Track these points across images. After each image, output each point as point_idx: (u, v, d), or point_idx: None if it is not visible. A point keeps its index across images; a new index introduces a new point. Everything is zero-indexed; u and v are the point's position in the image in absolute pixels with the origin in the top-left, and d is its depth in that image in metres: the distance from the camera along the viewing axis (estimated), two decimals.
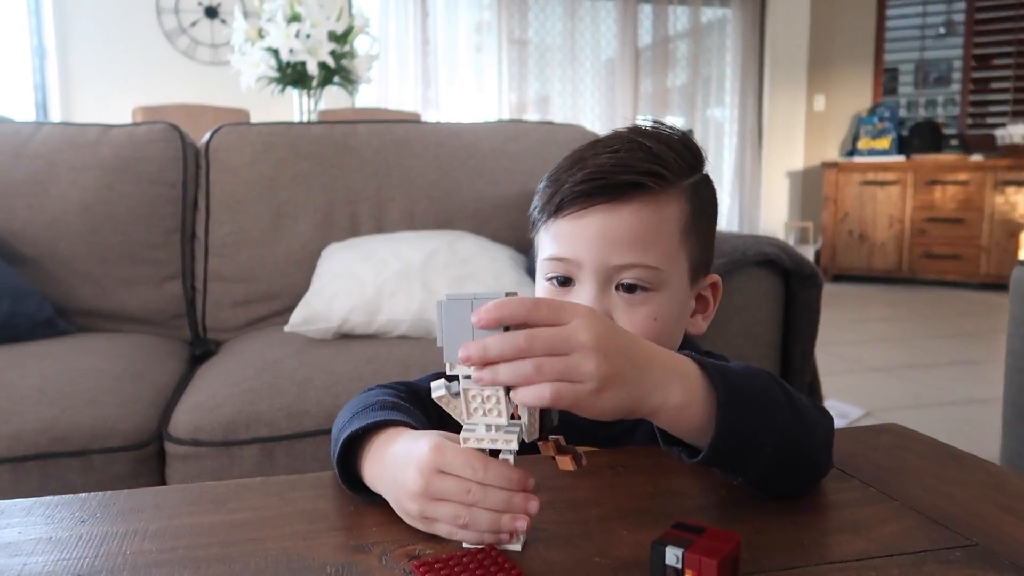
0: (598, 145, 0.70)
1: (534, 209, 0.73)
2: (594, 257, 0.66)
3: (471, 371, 0.47)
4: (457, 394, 0.48)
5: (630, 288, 0.67)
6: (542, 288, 0.71)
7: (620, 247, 0.66)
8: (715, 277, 0.75)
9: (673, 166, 0.68)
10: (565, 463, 0.49)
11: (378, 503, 0.54)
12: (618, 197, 0.66)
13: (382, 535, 0.51)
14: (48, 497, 0.57)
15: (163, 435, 1.22)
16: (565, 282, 0.69)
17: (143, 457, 1.19)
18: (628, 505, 0.56)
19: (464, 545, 0.49)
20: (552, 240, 0.69)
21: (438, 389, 0.49)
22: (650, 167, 0.66)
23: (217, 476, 1.19)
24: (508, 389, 0.47)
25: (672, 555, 0.42)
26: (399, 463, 0.52)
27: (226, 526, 0.53)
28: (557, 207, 0.68)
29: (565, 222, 0.68)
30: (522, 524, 0.48)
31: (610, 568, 0.47)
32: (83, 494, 0.58)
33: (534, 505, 0.48)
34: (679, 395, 0.51)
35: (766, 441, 0.53)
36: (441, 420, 0.55)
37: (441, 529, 0.50)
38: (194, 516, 0.55)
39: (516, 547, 0.49)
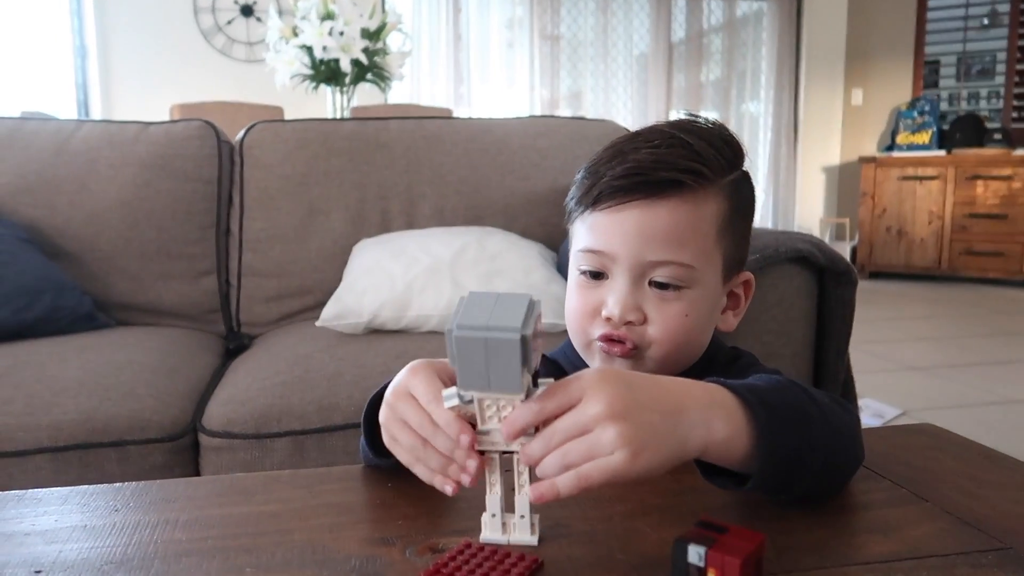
0: (638, 139, 0.69)
1: (571, 199, 0.72)
2: (629, 252, 0.66)
3: (493, 394, 0.47)
4: (470, 402, 0.47)
5: (663, 285, 0.66)
6: (574, 279, 0.71)
7: (655, 243, 0.65)
8: (748, 275, 0.74)
9: (713, 164, 0.67)
10: None
11: (398, 494, 0.55)
12: (656, 193, 0.65)
13: (407, 528, 0.52)
14: (84, 486, 0.59)
15: (197, 427, 1.24)
16: (597, 275, 0.68)
17: (178, 448, 1.22)
18: (652, 502, 0.55)
19: (481, 538, 0.50)
20: (588, 232, 0.69)
21: (450, 399, 0.48)
22: (689, 164, 0.66)
23: (249, 468, 1.21)
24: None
25: (695, 553, 0.42)
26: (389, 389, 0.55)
27: (255, 517, 0.54)
28: (595, 200, 0.68)
29: (602, 215, 0.67)
30: (466, 478, 0.49)
31: (632, 565, 0.47)
32: (117, 484, 0.59)
33: (472, 464, 0.49)
34: (723, 428, 0.50)
35: (807, 458, 0.52)
36: None
37: (403, 456, 0.52)
38: (224, 507, 0.56)
39: (533, 540, 0.49)
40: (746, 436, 0.50)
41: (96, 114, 4.80)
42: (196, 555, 0.48)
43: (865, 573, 0.45)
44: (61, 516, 0.54)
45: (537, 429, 0.47)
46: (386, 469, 0.59)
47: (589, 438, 0.46)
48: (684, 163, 0.66)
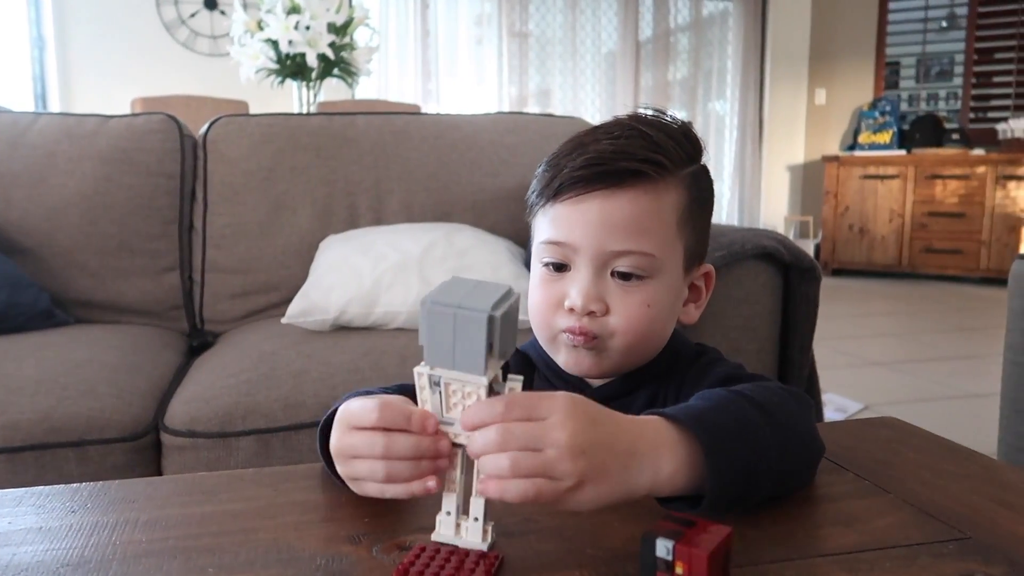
0: (598, 131, 0.70)
1: (532, 193, 0.72)
2: (591, 242, 0.66)
3: (456, 373, 0.46)
4: (437, 384, 0.47)
5: (625, 275, 0.67)
6: (537, 272, 0.71)
7: (617, 233, 0.66)
8: (708, 267, 0.75)
9: (673, 155, 0.68)
10: None
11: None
12: (617, 184, 0.66)
13: (373, 526, 0.51)
14: (39, 487, 0.57)
15: (159, 426, 1.22)
16: (560, 267, 0.68)
17: (139, 448, 1.19)
18: None
19: (433, 536, 0.49)
20: (550, 224, 0.69)
21: (422, 369, 0.48)
22: (649, 155, 0.66)
23: (213, 467, 1.19)
24: (490, 391, 0.47)
25: (663, 547, 0.42)
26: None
27: (217, 516, 0.53)
28: (556, 191, 0.68)
29: (563, 206, 0.67)
30: (443, 462, 0.48)
31: (602, 559, 0.47)
32: (75, 484, 0.58)
33: (445, 444, 0.48)
34: (669, 464, 0.50)
35: (760, 465, 0.53)
36: None
37: (370, 489, 0.51)
38: (186, 507, 0.54)
39: (482, 546, 0.48)
40: (692, 465, 0.51)
41: (54, 107, 4.68)
42: (156, 556, 0.47)
43: (830, 564, 0.46)
44: (15, 518, 0.53)
45: None
46: None
47: (543, 458, 0.46)
48: (644, 153, 0.66)
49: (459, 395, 0.47)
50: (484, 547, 0.48)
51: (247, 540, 0.49)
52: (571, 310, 0.67)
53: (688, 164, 0.70)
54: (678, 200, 0.68)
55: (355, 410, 0.51)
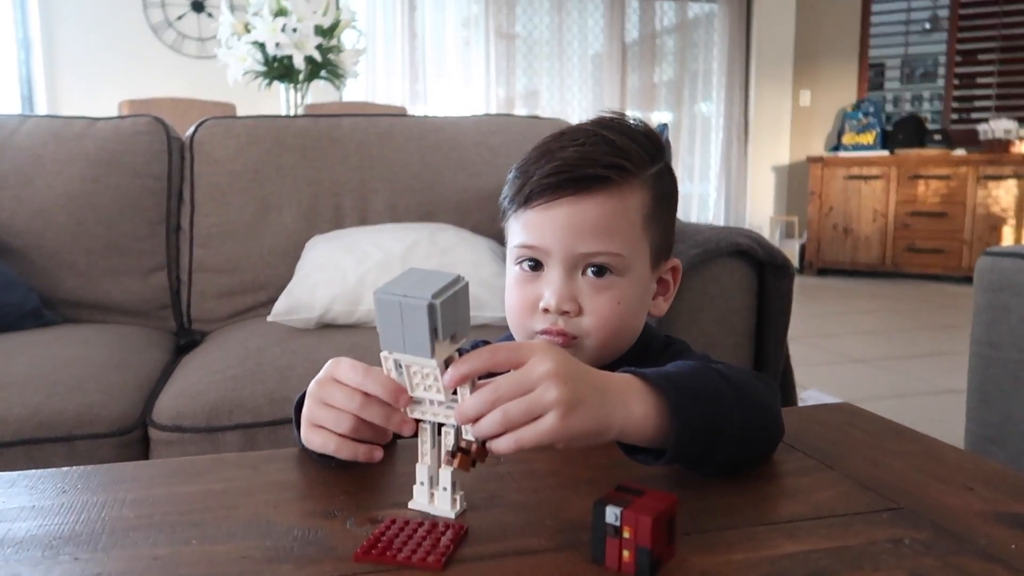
0: (564, 138, 0.73)
1: (504, 199, 0.76)
2: (562, 245, 0.70)
3: (409, 356, 0.50)
4: (399, 366, 0.51)
5: (597, 273, 0.70)
6: (513, 273, 0.74)
7: (586, 236, 0.69)
8: (675, 261, 0.79)
9: (635, 158, 0.71)
10: (462, 463, 0.51)
11: (337, 470, 0.59)
12: (583, 189, 0.69)
13: (348, 503, 0.54)
14: (31, 471, 0.60)
15: (147, 421, 1.24)
16: (535, 266, 0.72)
17: (127, 443, 1.22)
18: (582, 475, 0.59)
19: (410, 504, 0.53)
20: (522, 229, 0.72)
21: (386, 354, 0.52)
22: (613, 160, 0.70)
23: None
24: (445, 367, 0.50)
25: (611, 513, 0.45)
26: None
27: (201, 495, 0.56)
28: (527, 198, 0.71)
29: (534, 212, 0.71)
30: (408, 429, 0.53)
31: (558, 528, 0.50)
32: (65, 468, 0.61)
33: (408, 427, 0.53)
34: (639, 407, 0.54)
35: (723, 430, 0.56)
36: None
37: (320, 440, 0.56)
38: (171, 487, 0.58)
39: (451, 514, 0.52)
40: (659, 415, 0.54)
41: (41, 109, 4.69)
42: (143, 530, 0.50)
43: (770, 531, 0.49)
44: (8, 498, 0.56)
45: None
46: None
47: (531, 397, 0.49)
48: (608, 159, 0.70)
49: (419, 376, 0.51)
50: (452, 515, 0.52)
51: (228, 516, 0.52)
52: (546, 311, 0.70)
53: (651, 164, 0.73)
54: (642, 200, 0.72)
55: (344, 367, 0.56)
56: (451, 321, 0.49)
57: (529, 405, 0.49)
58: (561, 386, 0.50)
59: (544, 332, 0.71)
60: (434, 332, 0.48)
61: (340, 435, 0.56)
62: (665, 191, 0.75)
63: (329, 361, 0.58)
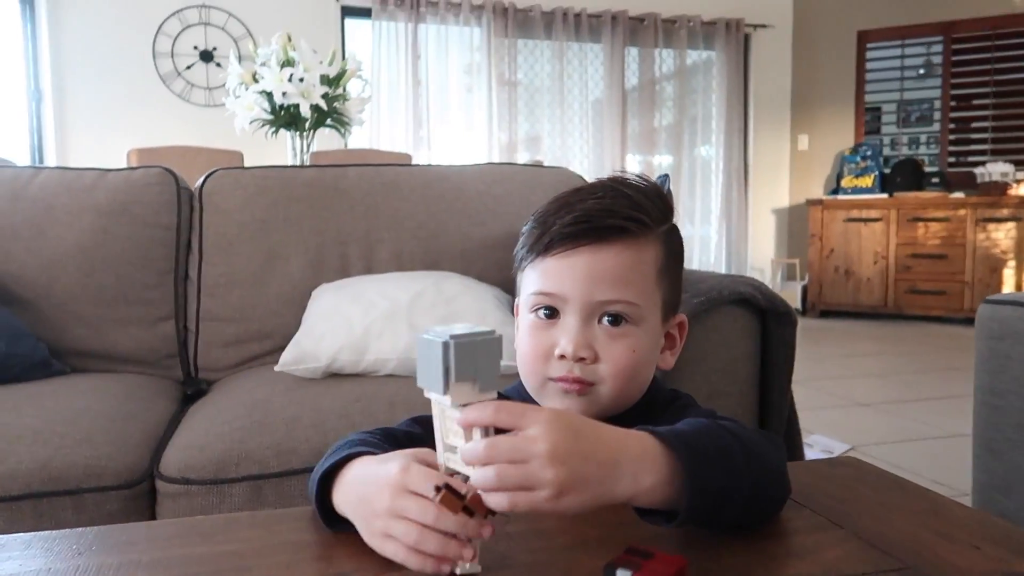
0: (582, 192, 0.76)
1: (521, 248, 0.78)
2: (580, 293, 0.72)
3: (430, 393, 0.53)
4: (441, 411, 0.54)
5: (613, 321, 0.72)
6: (527, 321, 0.76)
7: (604, 284, 0.71)
8: (682, 316, 0.81)
9: (651, 214, 0.74)
10: (446, 500, 0.52)
11: (353, 533, 0.58)
12: (603, 239, 0.72)
13: (358, 563, 0.55)
14: (46, 532, 0.61)
15: (154, 473, 1.24)
16: (551, 314, 0.74)
17: (135, 495, 1.22)
18: (591, 534, 0.59)
19: None
20: (540, 277, 0.74)
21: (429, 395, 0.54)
22: (632, 213, 0.73)
23: (207, 513, 1.21)
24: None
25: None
26: (366, 483, 0.57)
27: (215, 556, 0.56)
28: (546, 246, 0.73)
29: (553, 260, 0.73)
30: (468, 552, 0.53)
31: None
32: (79, 528, 0.61)
33: (487, 530, 0.53)
34: (650, 476, 0.55)
35: (732, 491, 0.57)
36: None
37: (392, 549, 0.55)
38: (184, 548, 0.58)
39: (476, 569, 0.53)
40: (672, 481, 0.55)
41: (51, 159, 4.76)
42: None
43: None
44: (25, 560, 0.56)
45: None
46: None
47: (526, 470, 0.51)
48: (627, 212, 0.72)
49: (450, 420, 0.53)
50: (476, 571, 0.53)
51: None
52: (561, 357, 0.72)
53: (663, 222, 0.76)
54: (656, 254, 0.75)
55: (415, 476, 0.55)
56: (470, 365, 0.51)
57: (523, 477, 0.51)
58: (557, 467, 0.51)
59: (560, 380, 0.72)
60: (447, 371, 0.50)
61: (410, 547, 0.54)
62: (675, 249, 0.78)
63: (395, 464, 0.56)
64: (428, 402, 0.54)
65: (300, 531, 0.61)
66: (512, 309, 1.68)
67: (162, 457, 1.26)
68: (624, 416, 0.76)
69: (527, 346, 0.75)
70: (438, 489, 0.52)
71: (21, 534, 0.61)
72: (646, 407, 0.77)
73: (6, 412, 1.31)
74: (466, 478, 0.53)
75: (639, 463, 0.55)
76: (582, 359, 0.71)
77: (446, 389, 0.51)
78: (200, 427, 1.33)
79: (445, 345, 0.51)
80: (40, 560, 0.56)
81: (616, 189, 0.75)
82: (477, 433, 0.52)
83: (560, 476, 0.50)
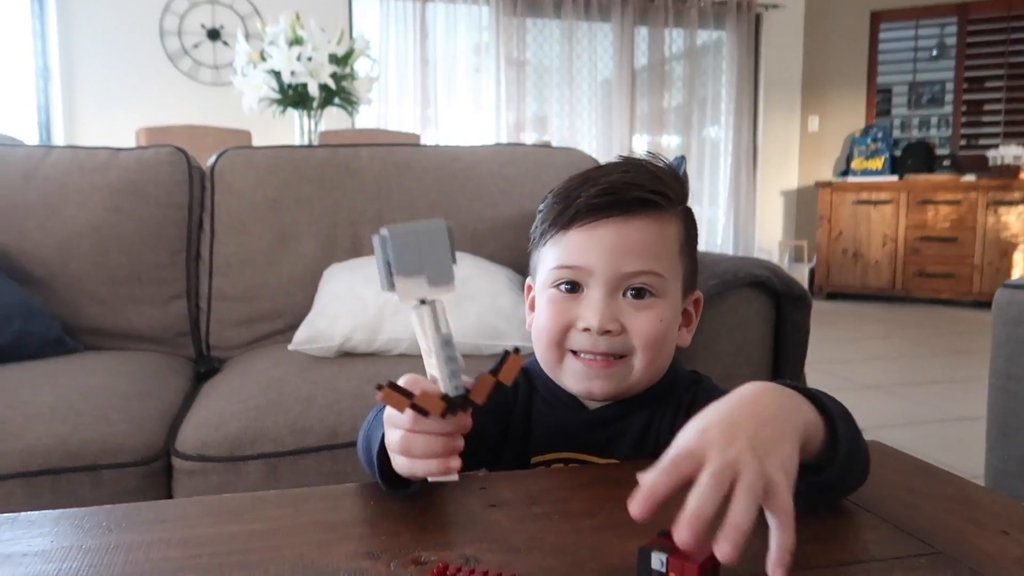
0: (605, 167, 0.77)
1: (541, 224, 0.77)
2: (606, 265, 0.71)
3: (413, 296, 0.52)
4: (423, 302, 0.53)
5: (638, 293, 0.72)
6: (547, 295, 0.75)
7: (631, 256, 0.71)
8: (698, 293, 0.82)
9: (673, 190, 0.75)
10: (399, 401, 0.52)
11: (386, 508, 0.59)
12: (629, 211, 0.72)
13: (391, 543, 0.55)
14: (75, 509, 0.61)
15: (170, 451, 1.25)
16: (573, 288, 0.73)
17: (151, 472, 1.23)
18: (619, 516, 0.59)
19: (429, 480, 0.56)
20: (563, 250, 0.74)
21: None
22: (657, 187, 0.73)
23: (223, 491, 1.22)
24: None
25: (657, 560, 0.46)
26: None
27: (245, 535, 0.57)
28: (571, 219, 0.73)
29: (577, 233, 0.73)
30: (455, 463, 0.55)
31: (601, 573, 0.51)
32: (108, 506, 0.62)
33: (466, 420, 0.55)
34: (808, 412, 0.55)
35: (861, 450, 0.59)
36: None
37: (396, 459, 0.58)
38: (214, 526, 0.58)
39: (453, 477, 0.55)
40: (822, 423, 0.56)
41: (58, 137, 4.75)
42: (191, 571, 0.51)
43: None
44: (56, 537, 0.57)
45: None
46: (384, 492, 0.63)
47: (741, 482, 0.46)
48: (653, 185, 0.73)
49: (420, 326, 0.54)
50: (458, 391, 0.54)
51: (274, 557, 0.53)
52: (585, 330, 0.71)
53: (682, 201, 0.77)
54: (678, 231, 0.75)
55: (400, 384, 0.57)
56: (412, 259, 0.50)
57: (750, 494, 0.45)
58: (756, 460, 0.46)
59: (583, 356, 0.72)
60: (388, 265, 0.50)
61: (402, 452, 0.57)
62: (693, 228, 0.79)
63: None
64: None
65: (328, 510, 0.61)
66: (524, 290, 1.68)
67: (178, 434, 1.27)
68: (643, 396, 0.76)
69: (546, 319, 0.74)
70: (379, 387, 0.51)
71: (50, 511, 0.61)
72: (666, 388, 0.77)
73: (24, 389, 1.31)
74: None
75: (792, 399, 0.54)
76: (608, 332, 0.71)
77: (391, 285, 0.50)
78: (215, 405, 1.33)
79: (383, 239, 0.49)
80: (71, 537, 0.57)
81: (640, 164, 0.75)
82: (430, 342, 0.52)
83: (758, 462, 0.46)
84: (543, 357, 0.76)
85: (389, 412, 0.57)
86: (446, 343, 0.54)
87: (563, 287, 0.73)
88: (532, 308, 0.80)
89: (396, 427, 0.57)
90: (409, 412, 0.53)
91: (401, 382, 0.54)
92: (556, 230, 0.74)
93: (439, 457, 0.56)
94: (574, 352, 0.73)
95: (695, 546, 0.44)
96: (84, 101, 4.80)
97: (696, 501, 0.45)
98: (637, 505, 0.45)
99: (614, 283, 0.71)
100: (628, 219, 0.72)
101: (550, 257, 0.75)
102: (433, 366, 0.54)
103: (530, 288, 0.82)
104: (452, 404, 0.53)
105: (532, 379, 0.80)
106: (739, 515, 0.44)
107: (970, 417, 2.81)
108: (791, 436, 0.50)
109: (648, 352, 0.72)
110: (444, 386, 0.54)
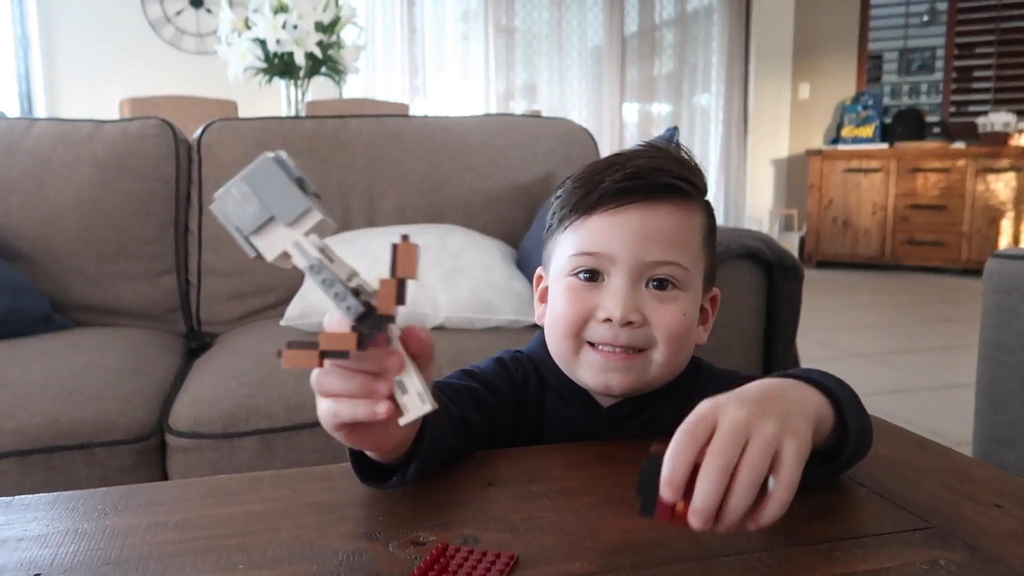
0: (629, 153, 0.73)
1: (560, 209, 0.73)
2: (630, 252, 0.68)
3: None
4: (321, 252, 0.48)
5: (661, 285, 0.68)
6: (564, 283, 0.71)
7: (656, 244, 0.68)
8: (716, 290, 0.78)
9: (698, 179, 0.72)
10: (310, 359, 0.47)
11: (381, 491, 0.59)
12: (654, 197, 0.69)
13: (389, 524, 0.55)
14: (70, 492, 0.61)
15: (164, 428, 1.25)
16: (592, 277, 0.70)
17: (145, 450, 1.23)
18: (616, 494, 0.59)
19: (400, 421, 0.50)
20: (584, 236, 0.70)
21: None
22: (683, 173, 0.70)
23: (217, 468, 1.23)
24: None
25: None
26: None
27: (242, 517, 0.56)
28: (595, 203, 0.69)
29: (600, 218, 0.69)
30: (382, 407, 0.49)
31: (599, 551, 0.51)
32: (103, 488, 0.61)
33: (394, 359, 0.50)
34: (819, 401, 0.55)
35: (868, 432, 0.60)
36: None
37: (321, 409, 0.53)
38: (211, 508, 0.58)
39: (425, 408, 0.49)
40: (832, 412, 0.56)
41: (39, 107, 4.67)
42: (189, 555, 0.51)
43: (807, 553, 0.50)
44: (51, 521, 0.56)
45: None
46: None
47: (754, 442, 0.47)
48: (679, 171, 0.70)
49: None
50: (428, 408, 0.49)
51: (272, 538, 0.53)
52: (606, 320, 0.68)
53: (704, 193, 0.74)
54: (702, 221, 0.72)
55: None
56: (256, 210, 0.47)
57: (762, 451, 0.46)
58: (768, 421, 0.47)
59: (602, 348, 0.69)
60: (239, 231, 0.48)
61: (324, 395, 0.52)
62: (713, 223, 0.75)
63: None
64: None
65: (326, 491, 0.61)
66: (517, 264, 1.67)
67: (171, 411, 1.27)
68: (668, 389, 0.73)
69: (563, 308, 0.70)
70: (279, 354, 0.47)
71: (45, 494, 0.60)
72: (690, 381, 0.75)
73: (13, 367, 1.30)
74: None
75: (797, 387, 0.55)
76: (630, 323, 0.67)
77: (255, 250, 0.47)
78: (208, 381, 1.33)
79: (219, 206, 0.46)
80: (67, 521, 0.56)
81: (664, 150, 0.72)
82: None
83: (772, 422, 0.47)
84: (557, 348, 0.73)
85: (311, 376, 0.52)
86: (316, 269, 0.48)
87: (582, 275, 0.70)
88: (543, 299, 0.77)
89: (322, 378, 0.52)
90: (326, 361, 0.48)
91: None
92: (577, 215, 0.71)
93: (361, 397, 0.50)
94: (592, 344, 0.70)
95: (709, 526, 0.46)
96: (65, 70, 4.71)
97: (713, 457, 0.46)
98: (696, 518, 0.46)
99: (637, 272, 0.68)
100: (654, 205, 0.68)
101: (569, 244, 0.71)
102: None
103: (540, 278, 0.78)
104: (362, 330, 0.48)
105: (542, 371, 0.77)
106: (754, 458, 0.46)
107: (959, 384, 2.85)
108: (805, 415, 0.51)
109: (670, 346, 0.69)
110: (343, 315, 0.48)
